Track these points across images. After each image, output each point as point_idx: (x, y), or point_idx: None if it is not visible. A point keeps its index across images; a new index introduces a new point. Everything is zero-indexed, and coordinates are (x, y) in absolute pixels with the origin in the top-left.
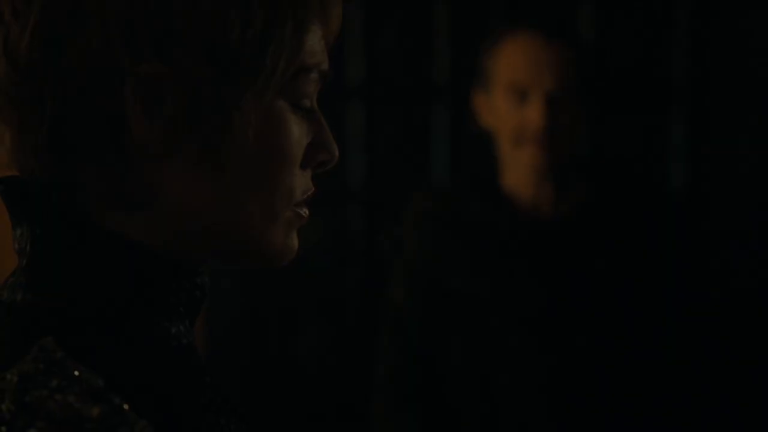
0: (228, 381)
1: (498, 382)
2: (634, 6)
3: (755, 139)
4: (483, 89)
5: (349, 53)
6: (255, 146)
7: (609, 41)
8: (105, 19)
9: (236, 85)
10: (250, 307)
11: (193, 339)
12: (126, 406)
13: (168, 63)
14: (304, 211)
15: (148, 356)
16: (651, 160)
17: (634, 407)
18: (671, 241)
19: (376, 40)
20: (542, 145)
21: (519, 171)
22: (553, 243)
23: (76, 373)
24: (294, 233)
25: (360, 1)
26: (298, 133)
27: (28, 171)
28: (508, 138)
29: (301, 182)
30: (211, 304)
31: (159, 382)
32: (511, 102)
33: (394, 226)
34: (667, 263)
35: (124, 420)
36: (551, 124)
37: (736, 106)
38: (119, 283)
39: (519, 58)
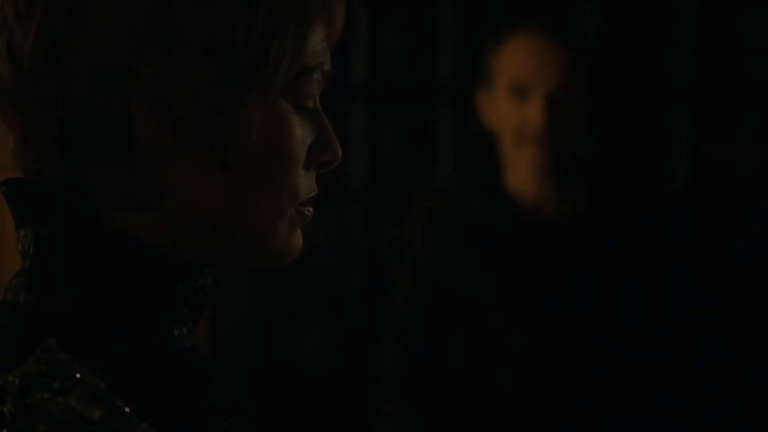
0: (232, 380)
1: (500, 382)
2: (634, 6)
3: (755, 139)
4: (486, 89)
5: (352, 53)
6: (259, 146)
7: (610, 41)
8: (107, 20)
9: (241, 84)
10: (252, 306)
11: (196, 341)
12: (127, 409)
13: (172, 63)
14: (309, 210)
15: (156, 356)
16: (653, 160)
17: (636, 407)
18: (673, 241)
19: (379, 39)
20: (542, 145)
21: (521, 171)
22: (555, 243)
23: (78, 375)
24: (298, 231)
25: (363, 1)
26: (301, 133)
27: (35, 172)
28: (510, 137)
29: (305, 183)
30: (215, 302)
31: (166, 382)
32: (513, 101)
33: (396, 226)
34: (670, 263)
35: (126, 423)
36: (551, 123)
37: (736, 106)
38: (127, 283)
39: (521, 57)
